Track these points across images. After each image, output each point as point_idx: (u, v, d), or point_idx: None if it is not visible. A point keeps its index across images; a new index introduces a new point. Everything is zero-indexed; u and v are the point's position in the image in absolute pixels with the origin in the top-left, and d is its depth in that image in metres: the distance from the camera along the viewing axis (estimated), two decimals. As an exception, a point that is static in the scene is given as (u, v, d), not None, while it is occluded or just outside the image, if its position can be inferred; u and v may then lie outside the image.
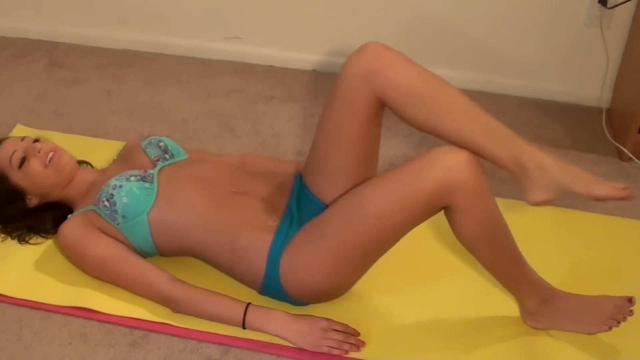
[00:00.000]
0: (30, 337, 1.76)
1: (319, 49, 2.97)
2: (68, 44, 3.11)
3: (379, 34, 2.84)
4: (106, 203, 1.80)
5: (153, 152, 1.99)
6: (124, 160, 2.05)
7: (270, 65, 3.01)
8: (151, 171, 1.89)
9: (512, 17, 2.74)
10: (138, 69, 2.97)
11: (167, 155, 1.99)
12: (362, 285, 1.83)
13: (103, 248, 1.81)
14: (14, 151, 1.93)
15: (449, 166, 1.55)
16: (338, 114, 1.73)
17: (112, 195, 1.79)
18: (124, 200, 1.79)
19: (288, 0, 2.86)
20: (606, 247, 2.09)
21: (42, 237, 2.01)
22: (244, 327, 1.73)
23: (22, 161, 1.92)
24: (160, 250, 1.86)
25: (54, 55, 3.03)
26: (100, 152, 2.34)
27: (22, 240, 1.99)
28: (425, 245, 2.07)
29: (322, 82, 2.91)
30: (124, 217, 1.80)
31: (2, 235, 2.01)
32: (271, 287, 1.77)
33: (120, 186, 1.80)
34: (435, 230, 2.08)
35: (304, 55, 2.99)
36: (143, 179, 1.84)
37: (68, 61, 2.99)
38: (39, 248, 1.98)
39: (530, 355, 1.76)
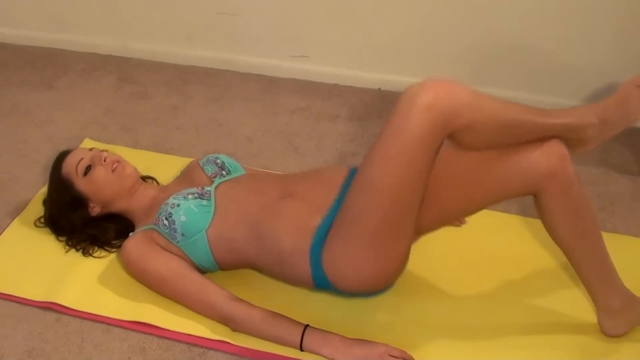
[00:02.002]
0: (91, 350, 1.77)
1: (384, 68, 2.95)
2: (137, 59, 3.16)
3: (445, 53, 2.82)
4: (165, 222, 1.82)
5: (210, 169, 2.02)
6: (184, 178, 2.08)
7: (335, 84, 3.01)
8: (208, 188, 1.90)
9: (592, 38, 2.68)
10: (204, 85, 2.99)
11: (224, 172, 2.01)
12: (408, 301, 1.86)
13: (164, 265, 1.82)
14: (81, 159, 1.98)
15: (425, 105, 1.48)
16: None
17: (171, 214, 1.81)
18: (183, 218, 1.80)
19: (354, 19, 2.85)
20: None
21: (106, 250, 2.03)
22: (301, 349, 1.71)
23: (88, 169, 1.96)
24: (221, 265, 1.87)
25: (123, 71, 3.08)
26: (165, 167, 2.36)
27: (85, 253, 2.02)
28: (473, 258, 2.06)
29: (387, 101, 2.89)
30: (183, 235, 1.81)
31: (66, 247, 2.04)
32: (323, 284, 1.75)
33: (179, 205, 1.82)
34: (484, 241, 2.10)
35: (369, 74, 2.97)
36: (200, 196, 1.85)
37: (136, 76, 3.04)
38: (102, 262, 2.00)
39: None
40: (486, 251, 2.08)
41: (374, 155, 1.57)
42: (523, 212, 2.22)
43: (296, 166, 2.47)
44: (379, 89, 2.98)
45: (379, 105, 2.87)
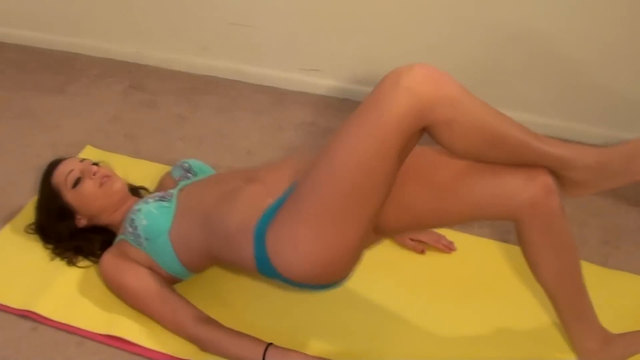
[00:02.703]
0: (62, 363, 1.78)
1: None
2: (150, 66, 3.17)
3: (455, 73, 2.76)
4: (130, 229, 1.83)
5: (177, 174, 2.06)
6: (159, 187, 2.13)
7: (346, 99, 2.97)
8: (172, 191, 1.90)
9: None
10: (214, 95, 2.98)
11: (189, 174, 2.03)
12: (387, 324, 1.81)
13: (137, 280, 1.82)
14: (71, 170, 1.98)
15: (408, 85, 1.41)
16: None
17: (133, 219, 1.82)
18: (144, 222, 1.80)
19: (367, 35, 2.82)
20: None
21: (90, 260, 2.03)
22: None
23: (77, 181, 1.96)
24: (188, 267, 1.85)
25: (136, 78, 3.09)
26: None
27: (70, 262, 2.02)
28: (457, 288, 2.00)
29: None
30: (147, 239, 1.81)
31: (52, 256, 2.04)
32: (266, 269, 1.64)
33: (139, 209, 1.82)
34: (470, 270, 2.05)
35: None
36: (162, 198, 1.85)
37: (148, 84, 3.05)
38: (84, 272, 2.00)
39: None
40: (471, 280, 2.03)
41: (344, 128, 1.50)
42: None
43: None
44: (390, 106, 2.93)
45: (388, 123, 2.82)
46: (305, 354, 1.70)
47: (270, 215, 1.61)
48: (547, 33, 2.58)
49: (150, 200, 1.85)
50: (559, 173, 1.55)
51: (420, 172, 1.61)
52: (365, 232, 1.58)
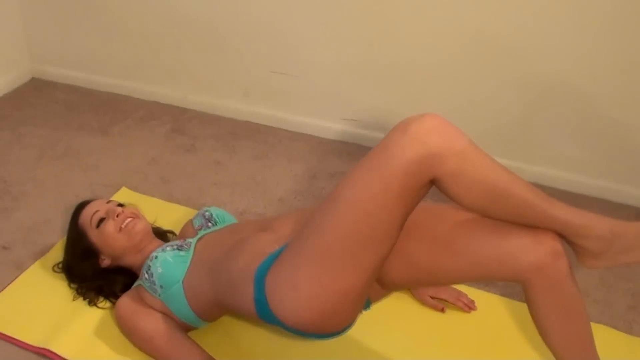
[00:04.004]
0: (68, 404, 1.79)
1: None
2: (194, 110, 3.23)
3: (494, 129, 2.74)
4: (146, 275, 1.86)
5: (197, 222, 2.07)
6: (180, 234, 2.14)
7: (384, 150, 2.96)
8: (190, 240, 1.92)
9: None
10: (253, 141, 3.02)
11: (209, 224, 2.04)
12: None
13: (150, 324, 1.84)
14: (97, 211, 2.03)
15: (416, 134, 1.41)
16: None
17: (150, 266, 1.85)
18: (159, 270, 1.83)
19: (406, 89, 2.82)
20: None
21: (111, 301, 2.06)
22: None
23: (101, 221, 2.00)
24: (200, 315, 1.85)
25: (179, 121, 3.15)
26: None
27: (91, 302, 2.05)
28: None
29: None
30: (161, 287, 1.83)
31: (74, 295, 2.08)
32: (265, 314, 1.63)
33: (156, 257, 1.85)
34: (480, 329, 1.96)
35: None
36: (179, 247, 1.87)
37: (189, 128, 3.10)
38: (103, 313, 2.03)
39: None
40: (489, 341, 1.98)
41: (352, 172, 1.51)
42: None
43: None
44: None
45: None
46: None
47: (274, 259, 1.61)
48: (585, 91, 2.54)
49: (168, 248, 1.87)
50: (571, 240, 1.50)
51: (424, 227, 1.59)
52: (367, 281, 1.56)
